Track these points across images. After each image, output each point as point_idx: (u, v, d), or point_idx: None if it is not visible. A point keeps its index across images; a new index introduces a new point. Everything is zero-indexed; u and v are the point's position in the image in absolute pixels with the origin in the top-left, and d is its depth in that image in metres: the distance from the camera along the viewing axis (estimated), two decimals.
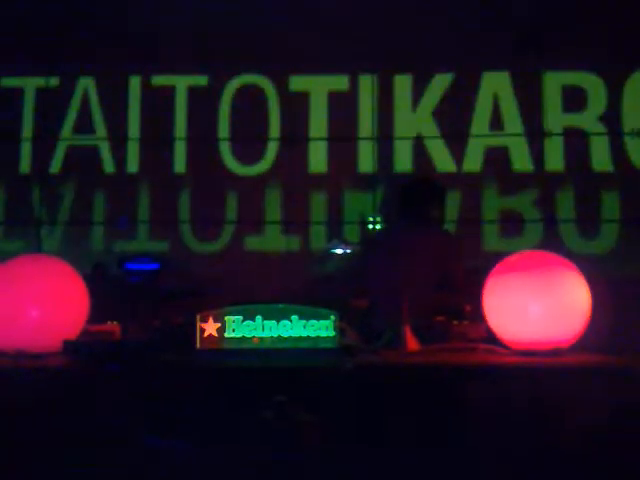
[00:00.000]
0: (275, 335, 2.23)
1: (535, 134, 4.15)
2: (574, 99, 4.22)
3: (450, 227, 3.65)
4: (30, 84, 4.35)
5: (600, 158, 4.18)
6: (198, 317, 2.25)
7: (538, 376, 2.20)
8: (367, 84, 4.33)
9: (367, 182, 4.25)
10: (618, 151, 4.17)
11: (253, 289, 3.55)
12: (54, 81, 4.32)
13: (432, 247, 3.15)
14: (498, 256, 2.61)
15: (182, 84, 4.38)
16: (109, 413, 2.09)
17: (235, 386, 2.11)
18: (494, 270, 2.54)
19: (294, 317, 2.23)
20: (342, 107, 4.33)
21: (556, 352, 2.35)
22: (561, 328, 2.39)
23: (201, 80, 4.39)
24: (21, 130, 4.32)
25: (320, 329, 2.23)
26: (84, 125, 4.35)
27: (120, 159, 4.33)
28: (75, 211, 4.27)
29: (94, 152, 4.34)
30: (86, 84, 4.37)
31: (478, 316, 2.61)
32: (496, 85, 4.28)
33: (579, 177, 4.18)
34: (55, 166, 4.33)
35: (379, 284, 3.15)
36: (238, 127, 4.34)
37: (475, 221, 4.12)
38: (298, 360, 2.23)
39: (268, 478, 2.05)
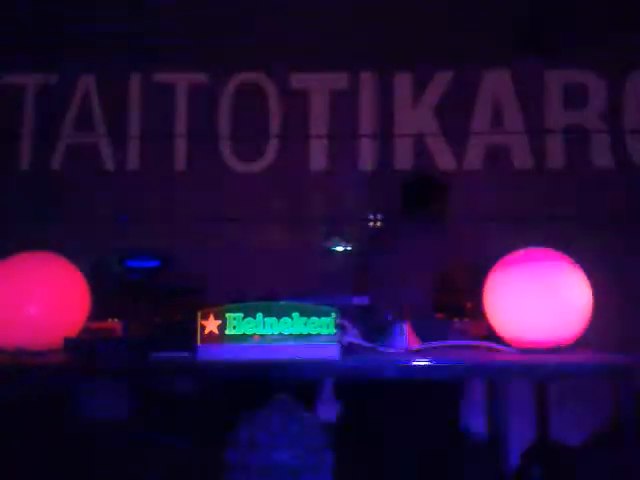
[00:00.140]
0: (276, 332, 2.22)
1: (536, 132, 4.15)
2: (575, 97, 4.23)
3: (451, 224, 3.65)
4: (30, 81, 4.35)
5: (601, 155, 4.19)
6: (199, 314, 2.25)
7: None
8: (368, 82, 4.33)
9: (368, 180, 4.26)
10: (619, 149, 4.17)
11: (253, 286, 3.54)
12: (54, 78, 4.32)
13: (433, 244, 3.15)
14: (499, 253, 2.61)
15: (183, 81, 4.38)
16: (110, 410, 2.09)
17: (236, 383, 2.11)
18: (495, 267, 2.54)
19: (295, 314, 2.23)
20: (342, 105, 4.33)
21: (557, 350, 2.35)
22: (562, 326, 2.38)
23: (201, 78, 4.40)
24: (21, 127, 4.31)
25: (321, 326, 2.23)
26: (84, 122, 4.35)
27: (120, 156, 4.33)
28: (75, 208, 4.27)
29: (94, 149, 4.34)
30: (86, 81, 4.37)
31: (479, 314, 2.61)
32: (497, 83, 4.29)
33: (580, 174, 4.19)
34: (55, 163, 4.33)
35: (379, 281, 3.14)
36: (238, 125, 4.33)
37: (476, 219, 4.11)
38: (299, 357, 2.22)
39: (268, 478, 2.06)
